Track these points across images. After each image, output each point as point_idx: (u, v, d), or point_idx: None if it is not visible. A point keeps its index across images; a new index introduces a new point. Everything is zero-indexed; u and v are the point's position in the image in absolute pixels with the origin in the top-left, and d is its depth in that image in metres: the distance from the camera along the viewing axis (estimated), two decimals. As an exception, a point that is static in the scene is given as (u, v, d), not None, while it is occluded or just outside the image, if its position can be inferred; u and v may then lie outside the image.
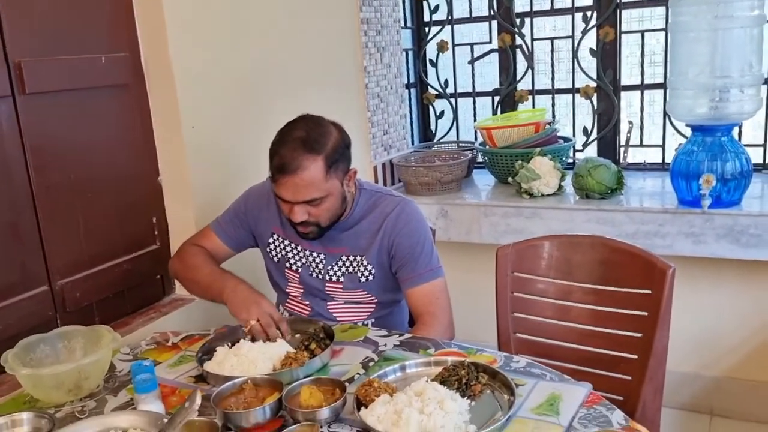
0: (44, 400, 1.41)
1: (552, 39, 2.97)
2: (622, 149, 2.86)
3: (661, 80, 2.79)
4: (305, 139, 1.62)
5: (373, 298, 1.81)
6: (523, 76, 3.06)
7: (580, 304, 1.78)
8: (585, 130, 2.98)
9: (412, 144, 3.32)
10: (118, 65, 1.86)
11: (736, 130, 2.52)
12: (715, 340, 2.63)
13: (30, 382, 1.39)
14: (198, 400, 1.14)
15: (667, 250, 2.35)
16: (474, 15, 3.14)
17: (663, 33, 2.73)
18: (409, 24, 3.23)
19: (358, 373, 1.45)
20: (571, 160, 2.94)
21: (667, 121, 2.79)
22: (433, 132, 3.39)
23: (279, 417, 1.28)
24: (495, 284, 1.88)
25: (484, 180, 3.04)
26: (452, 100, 3.26)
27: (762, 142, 2.67)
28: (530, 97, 3.08)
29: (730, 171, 2.27)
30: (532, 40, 3.00)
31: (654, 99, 2.87)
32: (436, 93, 3.31)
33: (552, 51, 2.98)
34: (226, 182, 2.08)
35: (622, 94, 2.89)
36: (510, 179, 2.72)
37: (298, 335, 1.64)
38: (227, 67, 2.10)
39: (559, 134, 2.88)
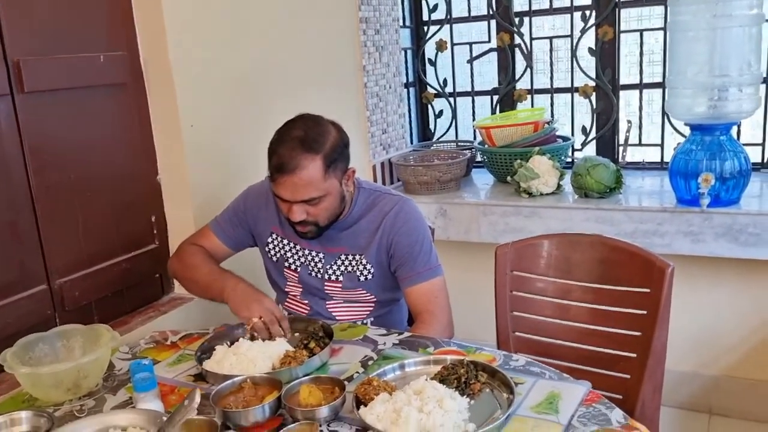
0: (43, 399, 1.41)
1: (551, 38, 2.97)
2: (620, 148, 2.86)
3: (659, 79, 2.79)
4: (304, 138, 1.62)
5: (372, 297, 1.81)
6: (522, 75, 3.06)
7: (579, 303, 1.78)
8: (584, 129, 2.98)
9: (411, 143, 3.32)
10: (117, 64, 1.86)
11: (734, 129, 2.52)
12: (714, 339, 2.63)
13: (29, 381, 1.39)
14: (197, 399, 1.13)
15: (666, 249, 2.36)
16: (473, 14, 3.14)
17: (662, 32, 2.74)
18: (407, 23, 3.23)
19: (357, 372, 1.45)
20: (569, 160, 2.95)
21: (666, 120, 2.79)
22: (432, 131, 3.39)
23: (278, 415, 1.28)
24: (494, 283, 1.88)
25: (483, 179, 3.04)
26: (451, 99, 3.26)
27: (761, 141, 2.67)
28: (529, 97, 3.08)
29: (729, 170, 2.28)
30: (531, 39, 3.00)
31: (653, 98, 2.87)
32: (435, 92, 3.31)
33: (551, 50, 2.98)
34: (225, 181, 2.07)
35: (621, 93, 2.89)
36: (509, 178, 2.72)
37: (297, 334, 1.64)
38: (226, 66, 2.10)
39: (557, 133, 2.88)
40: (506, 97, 3.13)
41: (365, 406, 1.25)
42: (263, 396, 1.31)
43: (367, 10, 2.82)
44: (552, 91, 3.03)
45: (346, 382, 1.33)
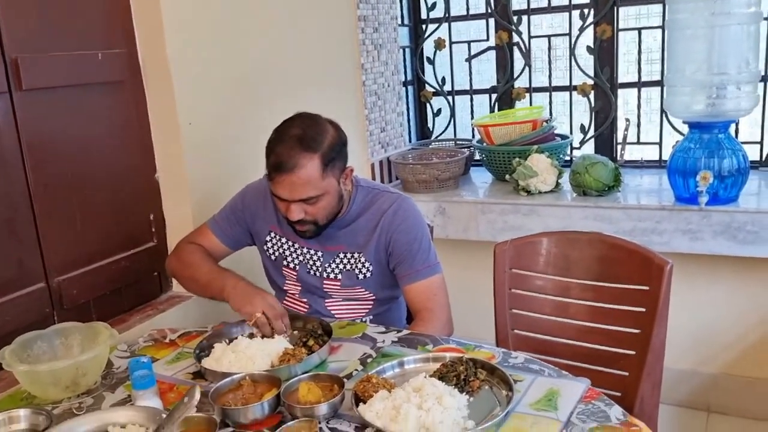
0: (41, 397, 1.41)
1: (549, 36, 2.97)
2: (619, 146, 2.86)
3: (658, 77, 2.79)
4: (302, 137, 1.61)
5: (371, 295, 1.81)
6: (521, 73, 3.06)
7: (578, 301, 1.78)
8: (582, 127, 2.98)
9: (410, 141, 3.32)
10: (115, 62, 1.86)
11: (733, 127, 2.53)
12: (712, 337, 2.63)
13: (27, 379, 1.39)
14: (197, 395, 1.13)
15: (664, 247, 2.36)
16: (471, 12, 3.13)
17: (660, 30, 2.74)
18: (406, 21, 3.23)
19: (356, 369, 1.45)
20: (568, 158, 2.95)
21: (664, 118, 2.79)
22: (431, 129, 3.39)
23: (277, 413, 1.28)
24: (493, 281, 1.88)
25: (481, 177, 3.04)
26: (449, 97, 3.26)
27: (759, 139, 2.67)
28: (527, 95, 3.08)
29: (727, 168, 2.28)
30: (530, 37, 2.99)
31: (651, 96, 2.87)
32: (434, 90, 3.31)
33: (549, 48, 2.98)
34: (224, 179, 2.07)
35: (619, 91, 2.89)
36: (507, 176, 2.72)
37: (296, 332, 1.64)
38: (224, 64, 2.10)
39: (556, 132, 2.87)
40: (505, 96, 3.13)
41: (364, 403, 1.25)
42: (262, 393, 1.31)
43: (365, 8, 2.82)
44: (550, 89, 3.03)
45: (345, 380, 1.33)
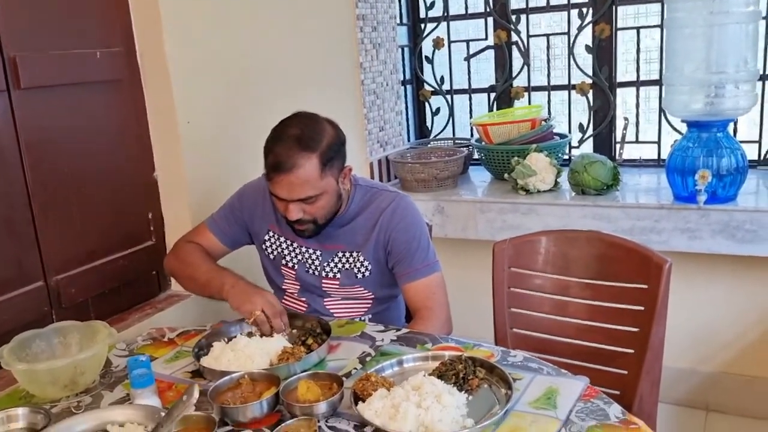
0: (40, 396, 1.41)
1: (548, 36, 2.97)
2: (617, 145, 2.86)
3: (656, 77, 2.79)
4: (300, 136, 1.61)
5: (370, 294, 1.81)
6: (519, 72, 3.06)
7: (577, 299, 1.78)
8: (581, 126, 2.98)
9: (408, 140, 3.32)
10: (114, 60, 1.86)
11: (731, 126, 2.53)
12: (711, 336, 2.64)
13: (26, 378, 1.39)
14: (196, 394, 1.13)
15: (663, 245, 2.36)
16: (470, 11, 3.13)
17: (658, 29, 2.74)
18: (404, 20, 3.22)
19: (355, 368, 1.45)
20: (567, 157, 2.95)
21: (663, 117, 2.80)
22: (429, 128, 3.39)
23: (276, 411, 1.28)
24: (492, 280, 1.88)
25: (480, 176, 3.04)
26: (448, 96, 3.26)
27: (757, 138, 2.67)
28: (526, 94, 3.08)
29: (726, 167, 2.28)
30: (528, 36, 2.99)
31: (649, 95, 2.87)
32: (432, 89, 3.31)
33: (548, 48, 2.98)
34: (222, 178, 2.07)
35: (618, 90, 2.89)
36: (506, 175, 2.71)
37: (294, 330, 1.64)
38: (223, 63, 2.09)
39: (555, 131, 2.88)
40: (503, 95, 3.13)
41: (363, 401, 1.24)
42: (261, 392, 1.31)
43: (364, 7, 2.82)
44: (549, 88, 3.03)
45: (344, 378, 1.33)
